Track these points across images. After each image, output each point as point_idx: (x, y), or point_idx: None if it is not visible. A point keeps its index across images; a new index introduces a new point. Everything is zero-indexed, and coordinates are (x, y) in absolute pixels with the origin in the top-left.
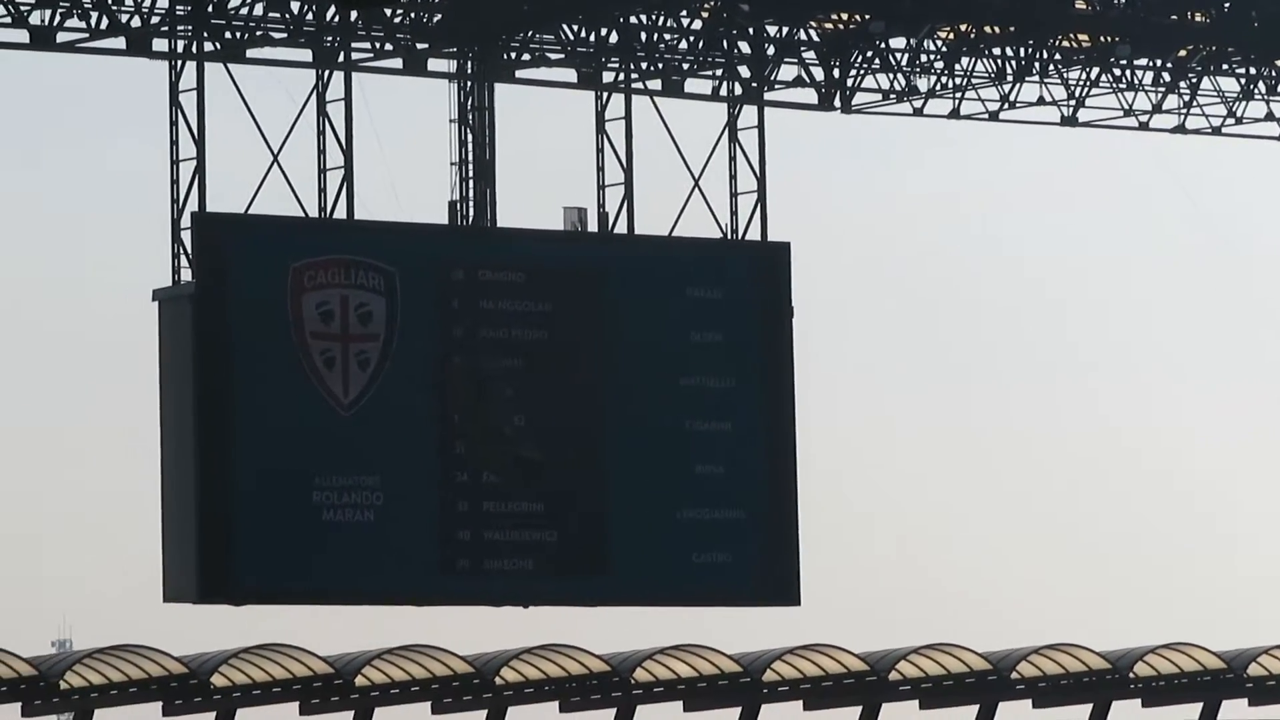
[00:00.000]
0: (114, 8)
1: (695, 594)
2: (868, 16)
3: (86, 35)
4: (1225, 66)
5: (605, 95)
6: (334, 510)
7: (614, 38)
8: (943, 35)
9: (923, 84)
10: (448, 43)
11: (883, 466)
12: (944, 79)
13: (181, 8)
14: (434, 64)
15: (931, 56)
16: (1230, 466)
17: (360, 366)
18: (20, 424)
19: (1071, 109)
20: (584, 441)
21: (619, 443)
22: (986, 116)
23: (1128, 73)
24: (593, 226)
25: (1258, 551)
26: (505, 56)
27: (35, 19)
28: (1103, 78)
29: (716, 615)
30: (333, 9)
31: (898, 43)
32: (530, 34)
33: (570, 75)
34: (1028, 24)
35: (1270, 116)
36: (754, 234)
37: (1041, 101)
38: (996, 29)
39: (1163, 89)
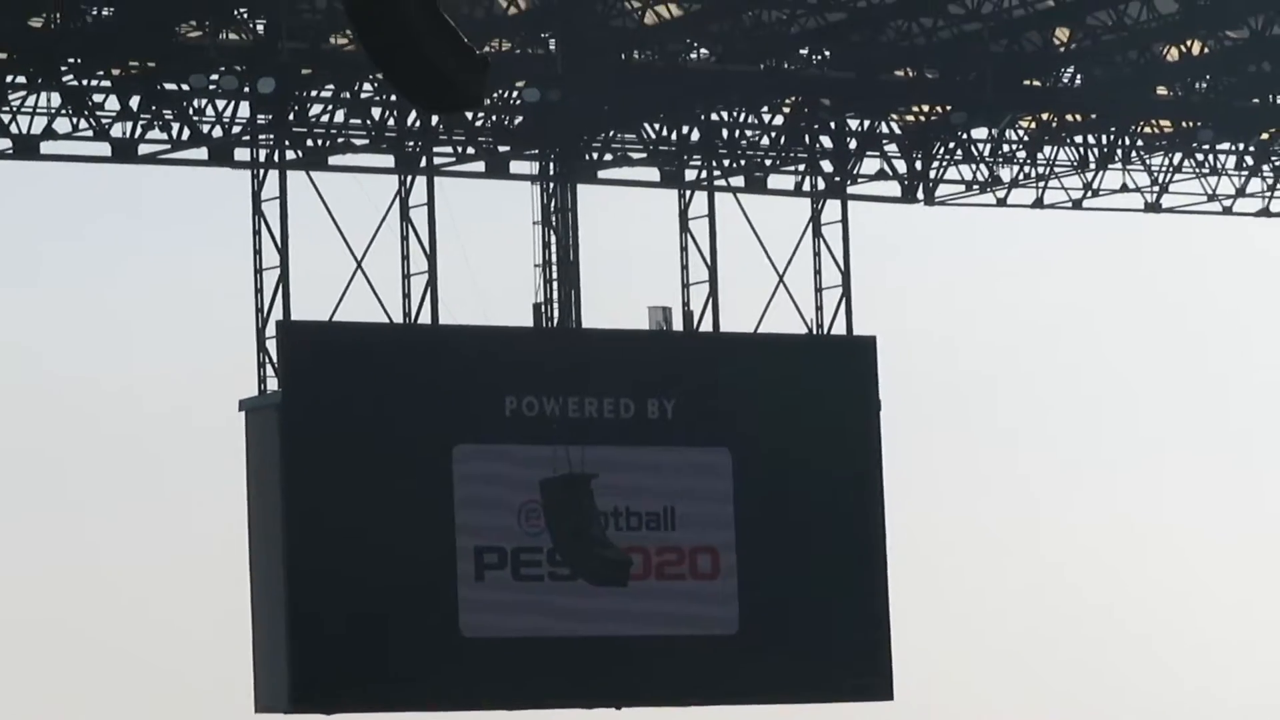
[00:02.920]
0: (195, 119)
1: (788, 688)
2: (949, 108)
3: (168, 146)
4: None
5: (688, 193)
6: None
7: (695, 135)
8: (1024, 125)
9: (1005, 174)
10: (530, 145)
11: (971, 559)
12: (1026, 168)
13: (263, 117)
14: (516, 166)
15: (1014, 146)
16: None
17: None
18: (107, 537)
19: (1155, 195)
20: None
21: None
22: (1070, 205)
23: (1210, 157)
24: (678, 325)
25: None
26: (587, 157)
27: (117, 131)
28: (1185, 163)
29: (809, 712)
30: (414, 114)
31: (979, 133)
32: (612, 134)
33: (653, 174)
34: (1109, 111)
35: None
36: (839, 328)
37: (1124, 189)
38: (1078, 117)
39: (1246, 173)
